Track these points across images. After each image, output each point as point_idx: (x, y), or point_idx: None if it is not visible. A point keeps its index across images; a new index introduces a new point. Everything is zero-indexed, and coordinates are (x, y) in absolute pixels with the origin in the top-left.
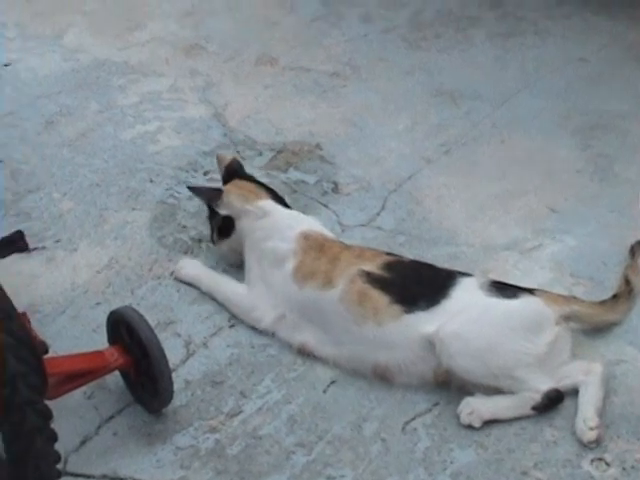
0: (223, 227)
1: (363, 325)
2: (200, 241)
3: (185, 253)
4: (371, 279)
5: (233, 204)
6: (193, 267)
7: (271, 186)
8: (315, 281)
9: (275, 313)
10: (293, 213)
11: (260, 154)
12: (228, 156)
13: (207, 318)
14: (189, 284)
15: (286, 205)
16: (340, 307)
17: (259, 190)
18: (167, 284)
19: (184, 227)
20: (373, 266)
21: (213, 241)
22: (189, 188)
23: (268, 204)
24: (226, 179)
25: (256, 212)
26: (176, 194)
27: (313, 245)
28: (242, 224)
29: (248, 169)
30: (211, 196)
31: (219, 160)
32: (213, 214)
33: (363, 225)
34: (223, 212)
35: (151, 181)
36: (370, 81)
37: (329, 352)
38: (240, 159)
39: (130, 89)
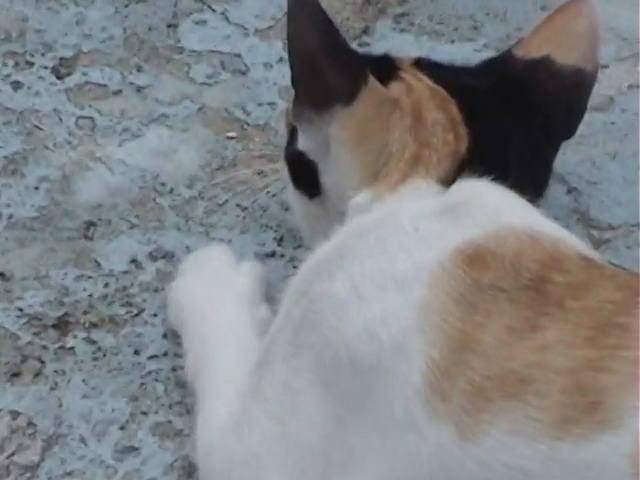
0: (300, 171)
1: None
2: (65, 328)
3: (14, 377)
4: None
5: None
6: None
7: None
8: (530, 409)
9: None
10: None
11: None
12: None
13: None
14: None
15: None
16: None
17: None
18: None
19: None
20: None
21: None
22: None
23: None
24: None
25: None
26: None
27: (499, 280)
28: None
29: (216, 34)
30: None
31: None
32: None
33: None
34: (305, 145)
35: None
36: None
37: None
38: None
39: None
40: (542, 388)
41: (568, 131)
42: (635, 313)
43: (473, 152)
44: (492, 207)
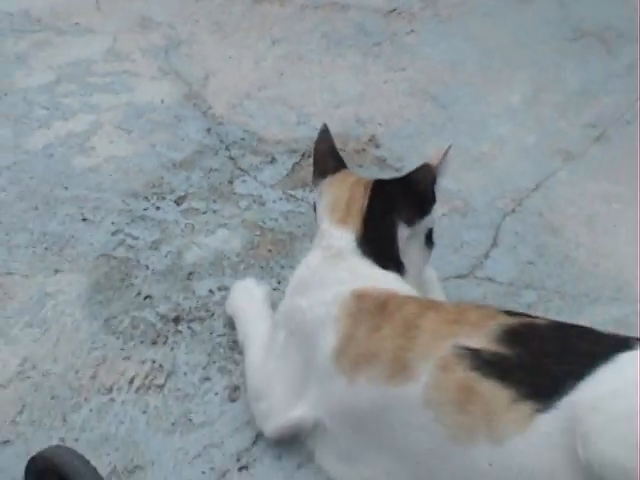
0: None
1: (469, 445)
2: (178, 321)
3: (153, 344)
4: (480, 361)
5: (321, 200)
6: (243, 293)
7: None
8: (375, 369)
9: (300, 412)
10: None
11: (272, 161)
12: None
13: (198, 456)
14: None
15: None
16: (425, 414)
17: (357, 206)
18: (125, 400)
19: (147, 298)
20: (481, 337)
21: None
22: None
23: (340, 239)
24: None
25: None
26: (130, 240)
27: (368, 307)
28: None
29: (251, 186)
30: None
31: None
32: None
33: (461, 276)
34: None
35: (84, 220)
36: (455, 21)
37: None
38: (238, 173)
39: (37, 59)
40: (383, 361)
41: None
42: (425, 318)
43: None
44: (378, 277)
